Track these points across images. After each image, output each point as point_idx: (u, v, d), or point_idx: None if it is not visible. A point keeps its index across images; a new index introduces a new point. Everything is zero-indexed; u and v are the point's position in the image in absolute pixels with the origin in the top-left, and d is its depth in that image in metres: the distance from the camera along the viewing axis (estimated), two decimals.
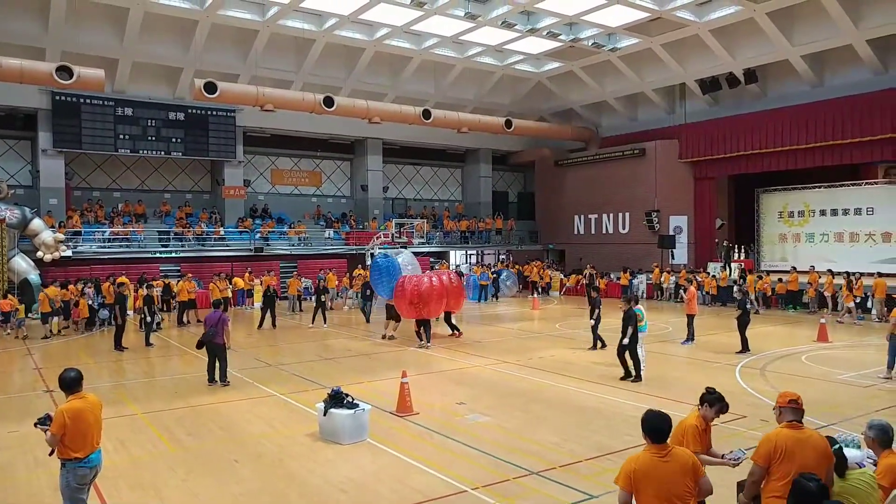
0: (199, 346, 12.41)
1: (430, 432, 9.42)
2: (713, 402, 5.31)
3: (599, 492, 6.99)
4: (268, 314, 20.70)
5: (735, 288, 24.55)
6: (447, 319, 18.64)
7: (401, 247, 25.07)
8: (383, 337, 18.02)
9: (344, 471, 7.86)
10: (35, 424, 5.68)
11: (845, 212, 28.00)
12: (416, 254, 32.51)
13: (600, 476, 7.51)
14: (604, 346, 15.82)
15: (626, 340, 12.55)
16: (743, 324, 15.50)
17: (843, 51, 24.79)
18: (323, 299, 21.30)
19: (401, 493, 7.15)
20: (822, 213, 28.90)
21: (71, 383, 5.75)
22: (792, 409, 4.82)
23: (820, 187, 28.95)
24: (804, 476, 3.90)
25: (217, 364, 12.51)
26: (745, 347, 15.35)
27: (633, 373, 12.57)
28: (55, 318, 19.66)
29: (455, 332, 18.34)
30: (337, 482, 7.50)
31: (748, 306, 15.89)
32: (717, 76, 28.50)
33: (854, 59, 24.75)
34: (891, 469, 4.45)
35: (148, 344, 17.35)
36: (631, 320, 12.55)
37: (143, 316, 18.34)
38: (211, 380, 12.52)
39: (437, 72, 31.33)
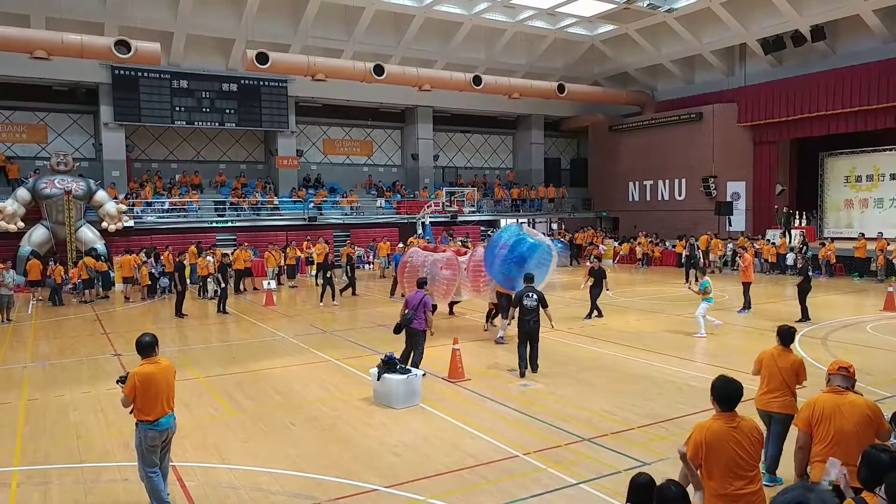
0: (397, 330, 10.48)
1: (481, 398, 9.49)
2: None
3: (651, 459, 6.94)
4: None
5: (791, 255, 23.93)
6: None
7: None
8: (490, 329, 14.44)
9: (397, 434, 8.01)
10: (116, 381, 6.14)
11: None
12: (465, 222, 32.74)
13: (652, 444, 7.46)
14: (600, 314, 15.95)
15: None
16: (804, 291, 15.02)
17: None
18: (329, 275, 19.55)
19: (453, 456, 7.25)
20: (893, 177, 27.53)
21: (145, 347, 6.01)
22: (841, 377, 4.80)
23: (891, 150, 27.51)
24: (875, 447, 3.81)
25: (412, 352, 10.47)
26: (805, 316, 14.88)
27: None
28: (128, 285, 20.82)
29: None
30: (390, 445, 7.65)
31: (810, 273, 15.39)
32: (781, 34, 27.19)
33: None
34: None
35: (221, 311, 17.89)
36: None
37: (218, 283, 18.83)
38: (522, 369, 10.76)
39: (487, 37, 30.85)
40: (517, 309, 10.85)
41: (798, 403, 5.76)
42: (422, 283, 11.23)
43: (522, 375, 10.59)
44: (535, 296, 10.70)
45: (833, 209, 29.94)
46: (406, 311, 10.38)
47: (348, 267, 21.41)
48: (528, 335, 10.69)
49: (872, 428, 4.50)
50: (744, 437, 4.18)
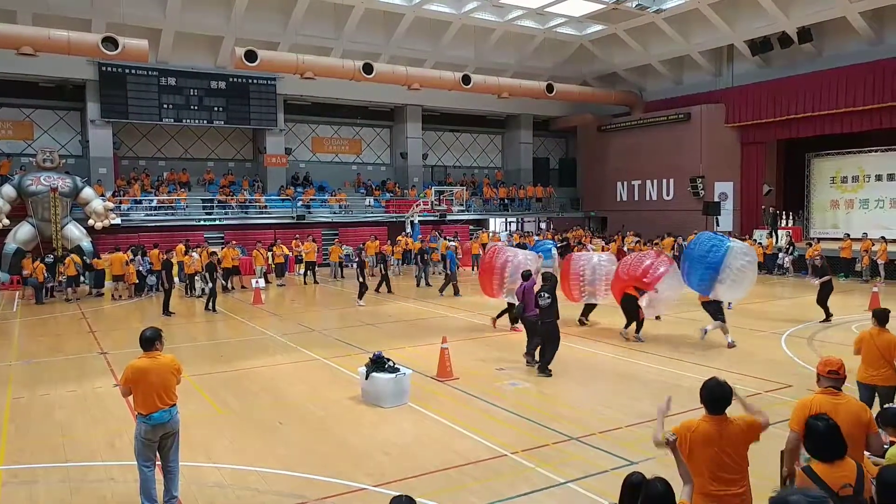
0: (514, 321, 11.63)
1: (470, 397, 9.50)
2: None
3: (638, 458, 6.97)
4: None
5: (781, 255, 24.15)
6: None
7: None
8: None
9: (386, 434, 8.01)
10: None
11: None
12: (454, 222, 32.73)
13: (640, 443, 7.48)
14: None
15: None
16: (827, 292, 15.11)
17: None
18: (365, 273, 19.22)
19: (442, 455, 7.26)
20: (878, 178, 27.82)
21: (144, 342, 6.05)
22: (831, 379, 4.85)
23: (876, 151, 27.80)
24: (814, 417, 4.05)
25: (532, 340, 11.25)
26: (827, 315, 15.04)
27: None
28: (119, 283, 20.70)
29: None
30: (379, 444, 7.64)
31: (829, 275, 15.39)
32: (768, 36, 27.39)
33: None
34: None
35: (208, 309, 17.72)
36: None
37: (205, 282, 18.61)
38: (530, 362, 11.25)
39: (477, 36, 30.86)
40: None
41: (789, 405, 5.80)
42: (527, 276, 11.69)
43: (528, 363, 11.10)
44: (548, 295, 10.73)
45: (819, 210, 30.22)
46: (518, 304, 11.22)
47: (382, 265, 21.33)
48: (541, 335, 10.86)
49: (864, 429, 4.58)
50: (729, 442, 4.16)
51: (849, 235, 24.32)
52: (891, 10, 24.34)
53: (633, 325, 13.31)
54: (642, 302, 13.16)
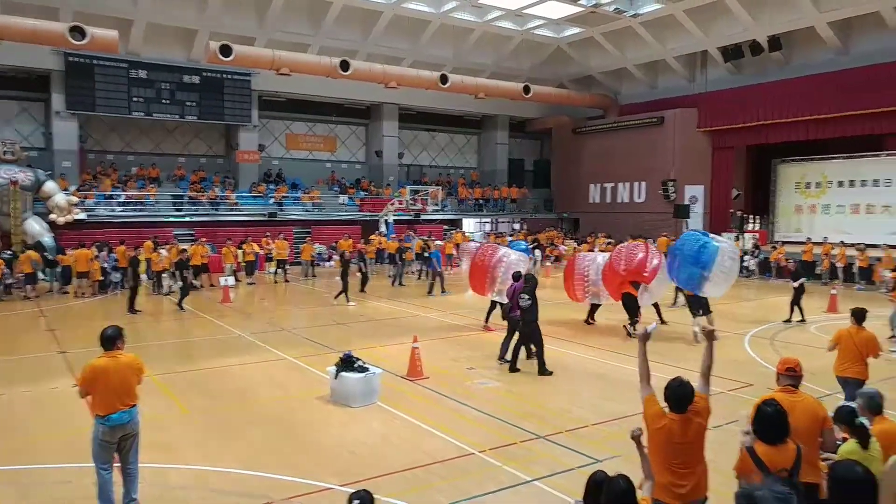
0: (505, 317, 12.15)
1: (440, 396, 9.48)
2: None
3: (604, 456, 7.03)
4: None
5: (746, 258, 24.60)
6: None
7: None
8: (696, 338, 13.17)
9: (354, 433, 7.95)
10: None
11: (863, 183, 27.59)
12: (429, 221, 32.68)
13: (606, 441, 7.55)
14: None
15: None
16: (800, 294, 15.51)
17: (870, 18, 24.12)
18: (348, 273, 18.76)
19: (410, 454, 7.23)
20: (840, 184, 28.49)
21: (104, 341, 5.88)
22: (789, 377, 5.05)
23: (839, 158, 28.46)
24: (764, 402, 4.32)
25: (513, 341, 11.38)
26: (802, 317, 15.46)
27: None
28: (82, 280, 20.09)
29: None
30: (347, 444, 7.59)
31: (803, 278, 15.82)
32: (739, 43, 27.85)
33: (881, 26, 24.04)
34: (882, 434, 4.57)
35: (179, 307, 17.30)
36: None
37: (174, 279, 18.16)
38: (502, 357, 11.47)
39: (455, 36, 30.86)
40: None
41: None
42: (517, 277, 11.82)
43: (500, 359, 11.39)
44: (528, 297, 10.85)
45: (784, 214, 30.83)
46: (507, 303, 11.58)
47: (362, 263, 21.09)
48: (523, 335, 11.09)
49: (819, 425, 4.75)
50: (692, 438, 4.36)
51: (810, 239, 24.87)
52: (857, 21, 24.91)
53: (636, 319, 13.60)
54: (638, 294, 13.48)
